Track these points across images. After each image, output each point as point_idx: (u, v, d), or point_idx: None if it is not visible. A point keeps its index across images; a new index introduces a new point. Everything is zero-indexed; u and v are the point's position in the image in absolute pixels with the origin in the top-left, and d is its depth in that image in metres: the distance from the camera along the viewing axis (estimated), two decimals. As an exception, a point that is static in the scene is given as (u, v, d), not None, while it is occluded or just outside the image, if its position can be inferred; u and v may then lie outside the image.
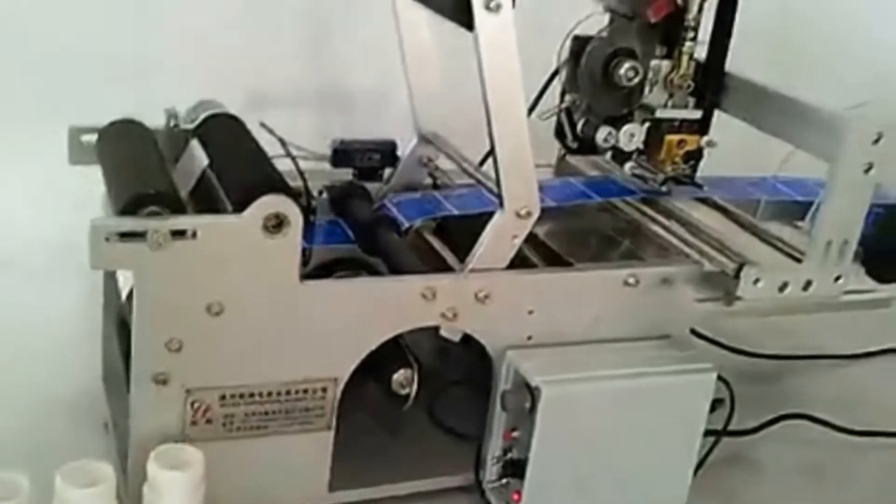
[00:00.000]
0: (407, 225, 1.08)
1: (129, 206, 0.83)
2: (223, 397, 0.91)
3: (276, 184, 0.87)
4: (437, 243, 1.08)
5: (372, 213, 1.10)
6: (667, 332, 1.06)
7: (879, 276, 1.14)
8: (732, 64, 1.15)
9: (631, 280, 1.02)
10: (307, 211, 1.01)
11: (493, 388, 1.03)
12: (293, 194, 0.87)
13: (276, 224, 0.86)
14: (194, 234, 0.83)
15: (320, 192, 1.14)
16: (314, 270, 1.04)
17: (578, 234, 1.15)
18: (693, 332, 1.14)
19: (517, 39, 0.88)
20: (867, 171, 1.03)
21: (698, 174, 1.19)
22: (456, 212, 1.09)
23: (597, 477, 1.02)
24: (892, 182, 1.11)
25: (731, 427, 1.12)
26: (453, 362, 1.11)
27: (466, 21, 0.87)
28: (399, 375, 1.01)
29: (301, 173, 1.00)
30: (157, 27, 1.39)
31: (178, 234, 0.83)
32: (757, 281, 1.02)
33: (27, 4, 1.38)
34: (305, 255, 1.05)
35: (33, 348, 1.17)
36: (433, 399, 1.13)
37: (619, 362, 1.02)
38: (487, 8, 0.87)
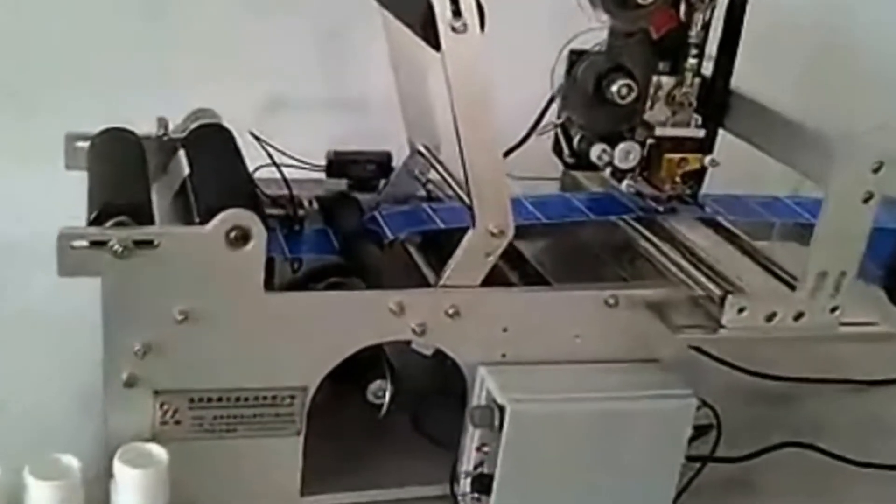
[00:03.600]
0: (391, 237, 1.09)
1: (98, 215, 0.87)
2: (192, 400, 0.94)
3: (242, 197, 0.89)
4: (419, 258, 1.09)
5: (357, 224, 1.11)
6: (652, 355, 1.05)
7: (903, 303, 1.10)
8: (767, 78, 1.11)
9: (611, 301, 1.01)
10: (293, 220, 1.04)
11: (468, 402, 1.03)
12: (260, 208, 0.90)
13: (240, 237, 0.88)
14: (158, 244, 0.86)
15: (310, 202, 1.16)
16: (303, 277, 1.06)
17: (568, 252, 1.14)
18: (696, 348, 1.12)
19: (489, 63, 0.88)
20: (866, 200, 0.99)
21: (706, 192, 1.17)
22: (442, 225, 1.10)
23: (567, 500, 1.01)
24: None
25: (725, 453, 1.10)
26: (436, 372, 1.12)
27: (434, 42, 0.88)
28: (374, 386, 1.03)
29: (287, 183, 1.02)
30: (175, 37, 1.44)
31: (143, 243, 0.86)
32: (742, 310, 1.00)
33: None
34: (294, 265, 1.09)
35: (43, 338, 1.22)
36: (416, 406, 1.14)
37: (594, 384, 1.01)
38: (453, 29, 0.87)
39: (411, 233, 1.10)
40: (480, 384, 1.01)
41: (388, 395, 1.03)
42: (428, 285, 1.00)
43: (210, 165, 0.99)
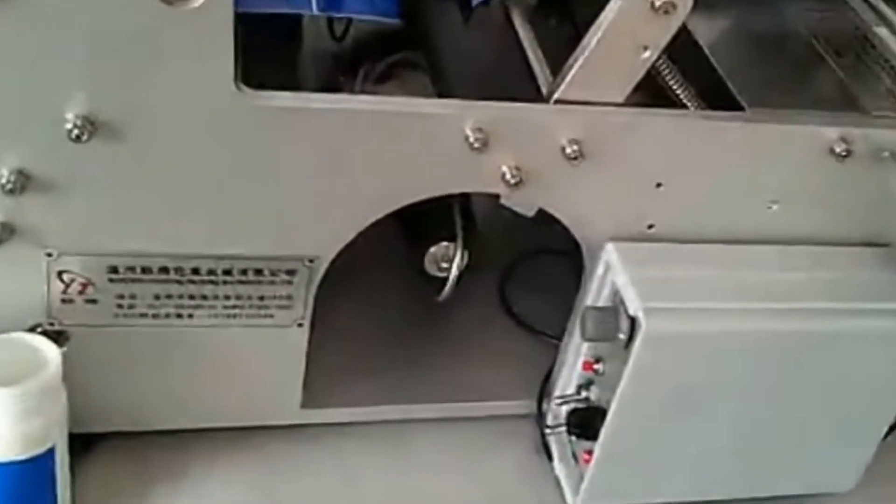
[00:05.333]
0: (482, -2, 0.66)
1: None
2: (114, 270, 0.55)
3: None
4: (528, 37, 0.65)
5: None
6: (884, 237, 0.63)
7: None
8: None
9: (839, 148, 0.58)
10: None
11: (581, 290, 0.63)
12: None
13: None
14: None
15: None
16: (348, 54, 0.71)
17: (761, 41, 0.69)
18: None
19: None
20: None
21: None
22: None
23: (716, 451, 0.63)
24: None
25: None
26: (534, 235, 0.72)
27: None
28: (437, 250, 0.63)
29: None
30: None
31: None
32: None
33: None
34: (335, 30, 0.72)
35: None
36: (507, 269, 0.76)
37: (786, 287, 0.60)
38: None
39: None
40: (605, 271, 0.61)
41: (455, 265, 0.63)
42: (535, 97, 0.57)
43: None
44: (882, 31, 0.68)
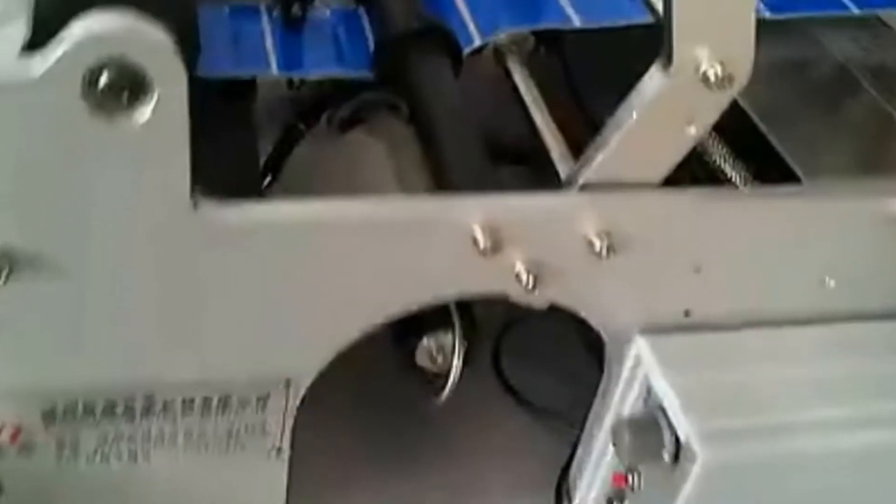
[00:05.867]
0: (477, 41, 0.56)
1: None
2: (51, 412, 0.45)
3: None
4: (529, 92, 0.55)
5: (411, 3, 0.57)
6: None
7: None
8: None
9: (907, 214, 0.50)
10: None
11: (603, 384, 0.54)
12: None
13: (119, 86, 0.35)
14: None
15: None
16: (309, 98, 0.59)
17: (806, 85, 0.60)
18: None
19: None
20: None
21: None
22: (577, 22, 0.56)
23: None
24: None
25: None
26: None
27: None
28: (429, 340, 0.54)
29: None
30: None
31: None
32: None
33: None
34: (293, 84, 0.62)
35: None
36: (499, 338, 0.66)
37: (858, 380, 0.51)
38: None
39: (517, 30, 0.56)
40: (634, 366, 0.52)
41: (455, 363, 0.54)
42: (550, 179, 0.48)
43: None
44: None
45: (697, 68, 0.42)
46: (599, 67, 0.62)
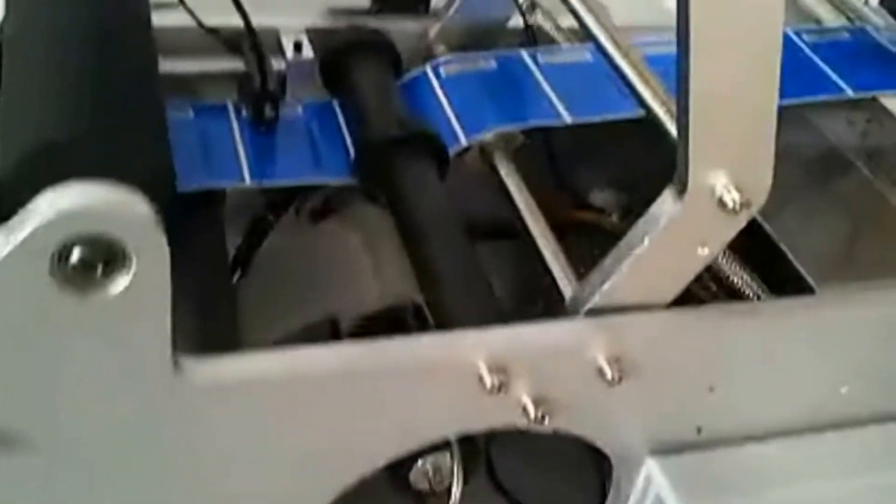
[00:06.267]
0: (463, 143, 0.53)
1: None
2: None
3: (82, 151, 0.32)
4: (520, 196, 0.52)
5: (391, 101, 0.54)
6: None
7: None
8: None
9: (926, 318, 0.47)
10: (262, 95, 0.48)
11: (612, 500, 0.51)
12: (163, 174, 0.34)
13: (92, 263, 0.31)
14: None
15: (296, 47, 0.57)
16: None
17: (811, 182, 0.57)
18: None
19: None
20: None
21: None
22: (568, 119, 0.53)
23: None
24: None
25: None
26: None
27: None
28: (426, 462, 0.50)
29: (247, 23, 0.46)
30: None
31: None
32: None
33: None
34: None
35: None
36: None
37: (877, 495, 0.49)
38: None
39: (503, 130, 0.53)
40: (645, 487, 0.49)
41: (455, 485, 0.51)
42: (552, 298, 0.45)
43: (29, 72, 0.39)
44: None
45: (713, 193, 0.40)
46: (586, 154, 0.59)
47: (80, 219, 0.30)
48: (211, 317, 0.51)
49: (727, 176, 0.39)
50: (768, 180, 0.40)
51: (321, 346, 0.40)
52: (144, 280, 0.33)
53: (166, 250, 0.32)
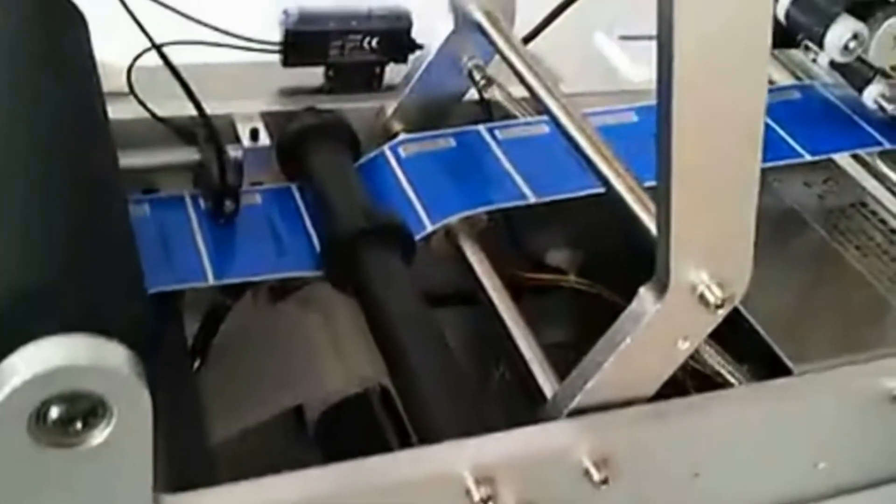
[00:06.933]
0: (428, 228, 0.52)
1: None
2: None
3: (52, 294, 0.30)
4: (489, 279, 0.51)
5: (354, 188, 0.53)
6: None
7: None
8: None
9: (899, 392, 0.48)
10: (221, 190, 0.47)
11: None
12: (139, 322, 0.32)
13: (71, 419, 0.30)
14: None
15: (253, 134, 0.56)
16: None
17: (777, 252, 0.57)
18: None
19: None
20: None
21: None
22: (532, 198, 0.53)
23: None
24: None
25: None
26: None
27: None
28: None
29: (201, 113, 0.44)
30: None
31: None
32: None
33: None
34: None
35: None
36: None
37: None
38: None
39: (468, 213, 0.53)
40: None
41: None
42: (534, 396, 0.44)
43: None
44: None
45: (694, 290, 0.39)
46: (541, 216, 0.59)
47: (58, 378, 0.29)
48: (177, 423, 0.49)
49: (708, 273, 0.39)
50: (748, 273, 0.40)
51: (300, 474, 0.38)
52: (125, 429, 0.31)
53: (147, 399, 0.31)
